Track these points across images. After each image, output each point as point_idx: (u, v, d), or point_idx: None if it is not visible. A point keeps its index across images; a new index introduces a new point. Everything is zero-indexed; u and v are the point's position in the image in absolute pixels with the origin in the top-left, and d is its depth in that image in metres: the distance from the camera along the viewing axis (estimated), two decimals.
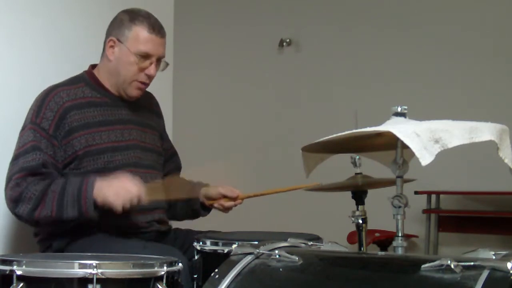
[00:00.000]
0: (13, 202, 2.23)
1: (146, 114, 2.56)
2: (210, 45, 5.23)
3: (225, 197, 2.55)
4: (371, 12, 4.81)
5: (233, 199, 2.55)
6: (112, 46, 2.41)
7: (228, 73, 5.18)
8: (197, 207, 2.61)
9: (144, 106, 2.57)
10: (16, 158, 2.29)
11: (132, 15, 2.41)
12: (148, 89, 2.63)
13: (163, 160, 2.62)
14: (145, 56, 2.38)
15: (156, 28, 2.41)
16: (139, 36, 2.38)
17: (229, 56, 5.17)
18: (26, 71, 2.62)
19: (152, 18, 2.43)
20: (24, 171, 2.24)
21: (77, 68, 2.50)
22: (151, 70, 2.40)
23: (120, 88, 2.43)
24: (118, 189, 2.20)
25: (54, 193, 2.21)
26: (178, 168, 2.73)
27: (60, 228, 2.29)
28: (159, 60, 2.42)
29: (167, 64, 2.49)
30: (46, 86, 2.40)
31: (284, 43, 5.02)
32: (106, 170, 2.33)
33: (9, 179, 2.26)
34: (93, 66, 2.50)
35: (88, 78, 2.45)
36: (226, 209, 2.57)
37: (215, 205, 2.56)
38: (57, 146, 2.30)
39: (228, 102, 5.17)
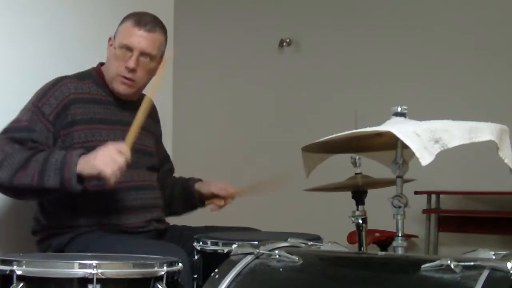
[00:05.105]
0: None
1: (145, 118, 2.56)
2: (210, 45, 5.23)
3: (215, 196, 2.55)
4: (371, 12, 4.81)
5: (224, 198, 2.55)
6: (111, 45, 2.43)
7: (228, 73, 5.18)
8: (194, 200, 2.63)
9: None
10: (5, 131, 2.26)
11: (131, 13, 2.41)
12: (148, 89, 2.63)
13: (159, 164, 2.63)
14: (127, 48, 2.35)
15: (143, 22, 2.37)
16: (124, 29, 2.38)
17: (229, 56, 5.17)
18: (26, 71, 2.62)
19: (147, 16, 2.40)
20: (12, 140, 2.21)
21: (76, 69, 2.50)
22: (130, 62, 2.34)
23: (109, 85, 2.42)
24: (105, 158, 2.12)
25: (37, 162, 2.16)
26: (171, 170, 2.76)
27: (40, 197, 2.24)
28: (145, 55, 2.36)
29: (160, 59, 2.43)
30: None
31: (284, 43, 5.02)
32: None
33: None
34: (102, 64, 2.50)
35: (96, 76, 2.45)
36: (217, 208, 2.57)
37: (206, 203, 2.57)
38: (52, 132, 2.29)
39: (228, 102, 5.18)
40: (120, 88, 2.40)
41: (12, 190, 2.21)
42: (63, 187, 2.14)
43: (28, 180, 2.14)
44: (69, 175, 2.13)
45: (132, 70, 2.36)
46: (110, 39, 2.44)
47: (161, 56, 2.45)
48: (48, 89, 2.34)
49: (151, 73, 2.43)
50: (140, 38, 2.35)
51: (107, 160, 2.12)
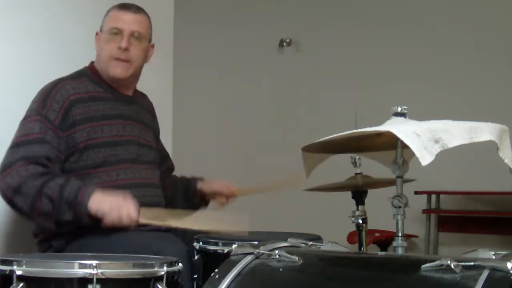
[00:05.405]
0: (12, 191, 2.20)
1: (143, 112, 2.59)
2: (210, 45, 5.23)
3: (218, 194, 2.55)
4: (371, 12, 4.81)
5: (227, 196, 2.54)
6: (98, 40, 2.47)
7: (228, 73, 5.18)
8: (197, 200, 2.62)
9: (141, 105, 2.60)
10: (16, 145, 2.27)
11: (114, 5, 2.47)
12: (148, 88, 2.64)
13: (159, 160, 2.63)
14: (116, 32, 2.40)
15: (127, 6, 2.45)
16: (110, 17, 2.45)
17: (229, 56, 5.17)
18: (26, 71, 2.62)
19: (130, 3, 2.47)
20: (25, 160, 2.22)
21: (76, 69, 2.50)
22: (122, 42, 2.39)
23: (104, 72, 2.44)
24: (115, 210, 2.17)
25: (51, 192, 2.18)
26: (170, 169, 2.76)
27: (58, 229, 2.28)
28: (134, 36, 2.41)
29: (150, 44, 2.50)
30: None
31: (284, 43, 5.01)
32: (107, 164, 2.34)
33: (7, 166, 2.23)
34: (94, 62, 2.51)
35: (91, 73, 2.47)
36: (219, 206, 2.57)
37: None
38: (61, 137, 2.30)
39: (228, 102, 5.17)
40: (116, 71, 2.42)
41: (31, 218, 2.27)
42: (78, 219, 2.19)
43: (43, 214, 2.19)
44: (81, 212, 2.17)
45: (126, 49, 2.40)
46: (97, 34, 2.48)
47: (150, 41, 2.50)
48: (48, 93, 2.34)
49: (144, 53, 2.47)
50: (128, 20, 2.42)
51: (115, 214, 2.17)
